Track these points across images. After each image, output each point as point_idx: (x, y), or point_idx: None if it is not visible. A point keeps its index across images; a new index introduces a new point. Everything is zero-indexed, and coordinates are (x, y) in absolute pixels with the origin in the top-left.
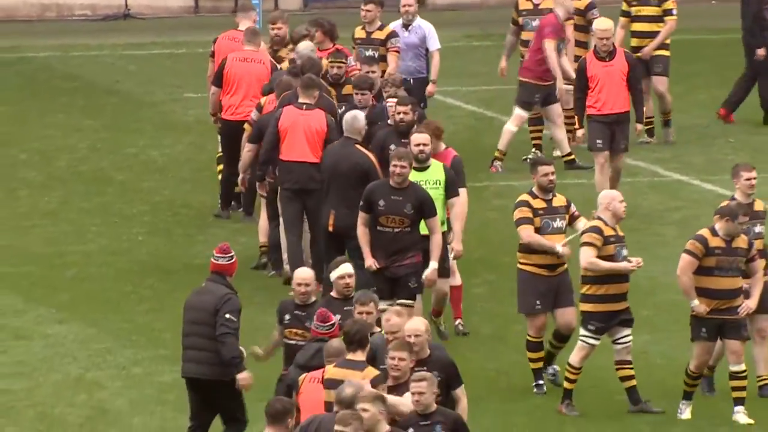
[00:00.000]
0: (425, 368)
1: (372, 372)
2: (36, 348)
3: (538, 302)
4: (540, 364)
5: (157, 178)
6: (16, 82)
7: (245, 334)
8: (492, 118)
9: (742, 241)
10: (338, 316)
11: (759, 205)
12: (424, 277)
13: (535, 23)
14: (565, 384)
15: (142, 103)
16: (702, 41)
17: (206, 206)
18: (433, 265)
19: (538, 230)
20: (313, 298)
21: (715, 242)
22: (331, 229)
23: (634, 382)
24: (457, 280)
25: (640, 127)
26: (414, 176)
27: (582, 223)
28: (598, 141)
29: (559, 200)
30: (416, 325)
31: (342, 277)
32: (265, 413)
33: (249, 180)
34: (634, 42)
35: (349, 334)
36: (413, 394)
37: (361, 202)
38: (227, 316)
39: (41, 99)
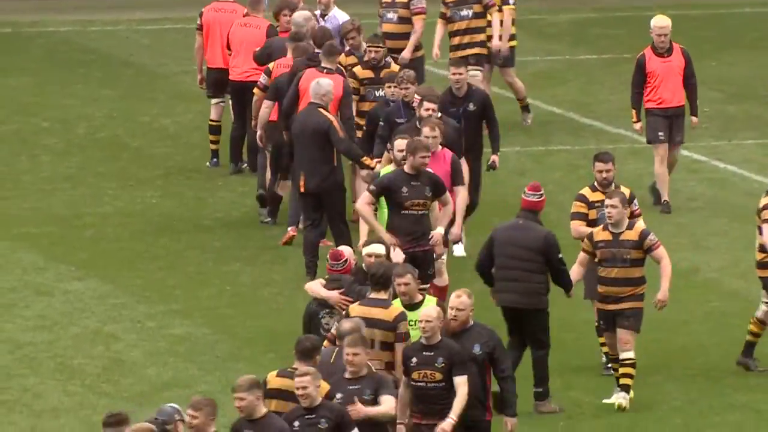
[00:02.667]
0: (432, 353)
1: (397, 309)
2: (56, 303)
3: (601, 322)
4: (608, 348)
5: (169, 145)
6: (37, 55)
7: (253, 290)
8: None
9: (632, 234)
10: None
11: None
12: (431, 236)
13: (390, 15)
14: None
15: (155, 74)
16: (679, 17)
17: (215, 171)
18: (440, 230)
19: (594, 222)
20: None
21: (600, 236)
22: (302, 190)
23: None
24: (443, 280)
25: (695, 120)
26: None
27: (641, 221)
28: (660, 133)
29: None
30: (428, 311)
31: (370, 255)
32: (294, 350)
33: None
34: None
35: (375, 276)
36: (297, 388)
37: (374, 187)
38: (560, 257)
39: (61, 71)
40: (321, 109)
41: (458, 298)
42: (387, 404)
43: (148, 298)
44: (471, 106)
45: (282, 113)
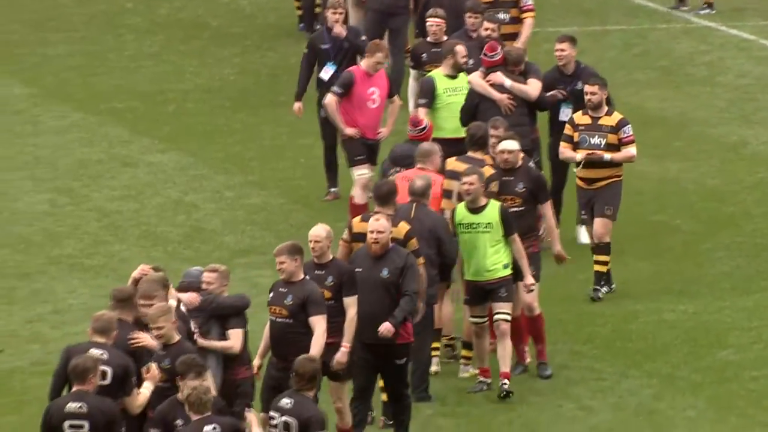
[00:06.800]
0: (323, 272)
1: (489, 170)
2: (141, 174)
3: (582, 212)
4: (601, 268)
5: (246, 25)
6: None
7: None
8: None
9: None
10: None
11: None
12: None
13: (501, 15)
14: None
15: None
16: None
17: (290, 48)
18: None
19: (577, 144)
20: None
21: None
22: None
23: None
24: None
25: None
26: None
27: (631, 149)
28: None
29: (609, 119)
30: (317, 231)
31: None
32: (374, 195)
33: None
34: None
35: (475, 137)
36: (152, 329)
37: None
38: None
39: None
40: None
41: (377, 222)
42: (233, 338)
43: (226, 169)
44: (579, 85)
45: None
